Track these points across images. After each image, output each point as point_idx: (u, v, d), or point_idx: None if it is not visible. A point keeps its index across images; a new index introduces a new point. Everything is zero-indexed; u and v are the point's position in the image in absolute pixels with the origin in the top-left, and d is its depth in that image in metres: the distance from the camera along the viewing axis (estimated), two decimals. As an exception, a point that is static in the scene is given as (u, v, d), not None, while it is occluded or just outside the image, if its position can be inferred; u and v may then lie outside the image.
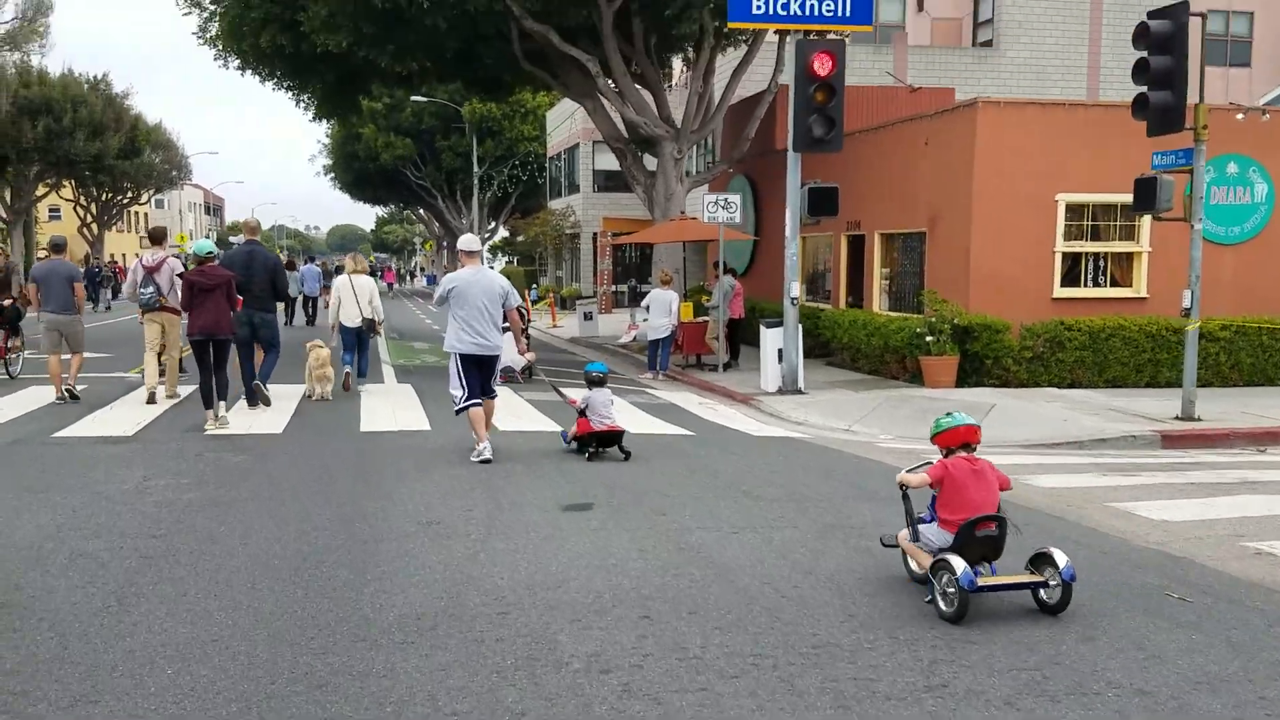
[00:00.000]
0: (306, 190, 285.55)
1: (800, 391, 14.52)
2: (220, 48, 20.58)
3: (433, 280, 73.49)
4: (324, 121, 24.38)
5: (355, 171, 57.85)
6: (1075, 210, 15.36)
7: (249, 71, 21.43)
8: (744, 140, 20.71)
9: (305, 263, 33.82)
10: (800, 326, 14.72)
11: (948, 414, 5.36)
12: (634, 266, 42.93)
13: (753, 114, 20.58)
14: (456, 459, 8.80)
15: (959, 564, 4.79)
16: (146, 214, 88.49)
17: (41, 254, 13.01)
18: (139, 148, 51.67)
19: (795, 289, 14.46)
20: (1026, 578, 5.01)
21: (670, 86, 26.02)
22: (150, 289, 11.63)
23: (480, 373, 8.93)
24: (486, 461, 8.54)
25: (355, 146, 54.66)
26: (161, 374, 12.19)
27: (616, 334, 25.71)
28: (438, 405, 12.09)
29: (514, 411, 11.94)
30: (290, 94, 22.78)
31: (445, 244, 73.31)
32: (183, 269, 11.77)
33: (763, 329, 15.05)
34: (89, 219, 57.36)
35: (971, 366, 14.76)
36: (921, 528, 5.27)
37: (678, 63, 25.83)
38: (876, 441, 11.23)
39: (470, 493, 7.46)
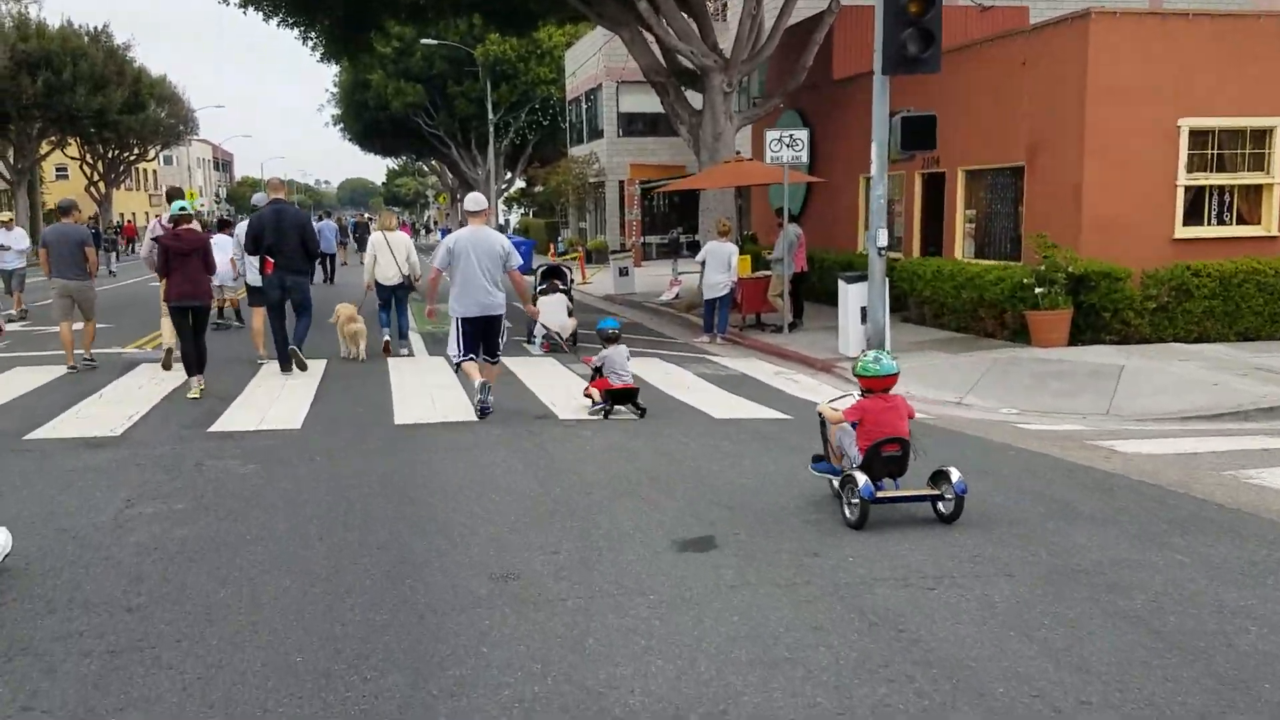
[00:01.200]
0: (316, 144, 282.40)
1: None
2: (217, -19, 18.61)
3: (446, 233, 71.42)
4: (332, 63, 22.42)
5: (365, 120, 55.59)
6: (1199, 137, 13.32)
7: (251, 8, 19.43)
8: (800, 69, 18.61)
9: (321, 219, 31.86)
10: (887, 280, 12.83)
11: (875, 359, 5.90)
12: (662, 216, 40.87)
13: (810, 39, 18.45)
14: (517, 462, 7.04)
15: (861, 478, 5.47)
16: (155, 171, 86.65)
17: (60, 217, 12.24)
18: (143, 101, 49.67)
19: (882, 237, 12.52)
20: (924, 491, 5.69)
21: (719, 10, 23.86)
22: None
23: (482, 334, 8.86)
24: (486, 411, 8.53)
25: (364, 94, 52.41)
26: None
27: (655, 290, 23.83)
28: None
29: (570, 390, 10.14)
30: (296, 31, 20.77)
31: (459, 196, 71.17)
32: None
33: (842, 284, 13.18)
34: (96, 177, 55.59)
35: (1085, 321, 12.85)
36: (847, 441, 5.83)
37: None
38: (1008, 420, 9.41)
39: (549, 521, 5.69)
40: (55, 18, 69.28)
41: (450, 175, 69.85)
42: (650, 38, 19.58)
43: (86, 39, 44.88)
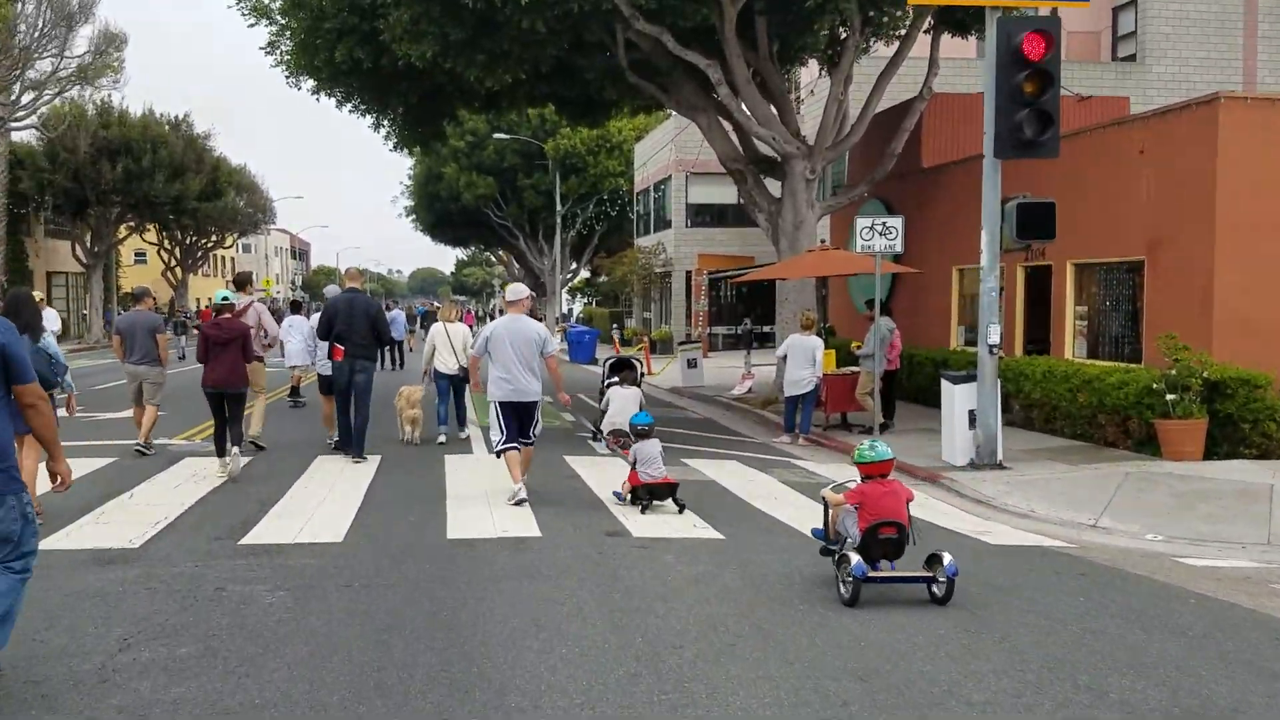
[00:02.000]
0: (389, 235, 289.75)
1: (1001, 466, 11.32)
2: (292, 65, 18.34)
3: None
4: (405, 151, 22.11)
5: (436, 212, 56.08)
6: (1345, 231, 11.97)
7: (324, 94, 19.17)
8: (889, 157, 17.68)
9: (389, 309, 32.02)
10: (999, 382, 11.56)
11: (870, 446, 6.30)
12: (729, 307, 39.98)
13: (900, 126, 17.56)
14: (588, 597, 5.88)
15: (855, 558, 5.78)
16: (233, 258, 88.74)
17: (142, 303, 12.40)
18: (220, 189, 50.62)
19: (994, 334, 11.31)
20: (919, 573, 5.96)
21: (798, 99, 23.22)
22: None
23: (518, 419, 9.03)
24: (521, 503, 8.59)
25: (437, 186, 52.92)
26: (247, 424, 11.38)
27: (725, 383, 22.70)
28: (543, 492, 9.23)
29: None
30: (370, 118, 20.47)
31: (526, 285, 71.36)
32: (270, 313, 12.15)
33: (947, 385, 11.92)
34: (173, 263, 56.63)
35: (1221, 432, 11.40)
36: (848, 522, 6.08)
37: (803, 74, 22.97)
38: (1159, 550, 8.00)
39: (631, 687, 4.49)
40: (137, 105, 71.66)
41: (517, 265, 70.09)
42: (728, 125, 18.90)
43: (167, 127, 45.96)
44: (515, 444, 8.90)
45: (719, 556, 6.95)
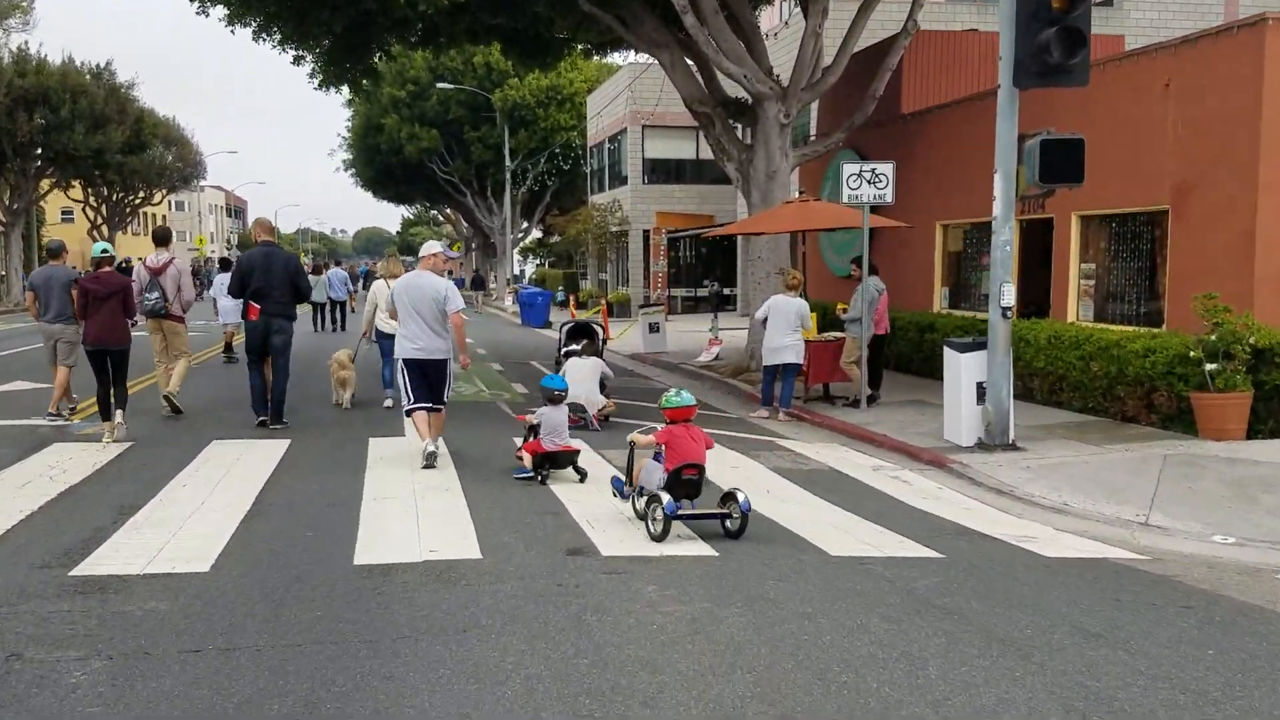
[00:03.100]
0: (331, 194, 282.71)
1: (1014, 446, 9.82)
2: (200, -8, 16.15)
3: (461, 283, 69.16)
4: (331, 90, 19.96)
5: (377, 166, 53.42)
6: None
7: (238, 25, 17.00)
8: (869, 99, 16.00)
9: (331, 267, 30.33)
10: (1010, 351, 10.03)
11: (676, 392, 6.75)
12: (689, 267, 38.30)
13: (879, 66, 15.88)
14: (540, 665, 4.19)
15: (665, 497, 6.14)
16: (165, 216, 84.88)
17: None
18: (145, 142, 47.58)
19: (1008, 294, 9.75)
20: (715, 510, 6.41)
21: (768, 34, 21.41)
22: (155, 294, 11.06)
23: (425, 379, 8.73)
24: (431, 464, 8.33)
25: (377, 138, 50.29)
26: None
27: (689, 349, 21.07)
28: (490, 489, 7.54)
29: (608, 494, 7.32)
30: (291, 52, 18.30)
31: (475, 245, 68.94)
32: (191, 271, 11.69)
33: (951, 353, 10.36)
34: (99, 220, 53.49)
35: (1267, 408, 9.99)
36: (653, 470, 6.44)
37: (764, 18, 21.14)
38: (1239, 558, 6.50)
39: None
40: (56, 54, 67.48)
41: (465, 224, 67.67)
42: (693, 65, 17.10)
43: (88, 76, 42.87)
44: (424, 405, 8.67)
45: (715, 586, 5.29)
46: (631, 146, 36.59)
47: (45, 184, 46.52)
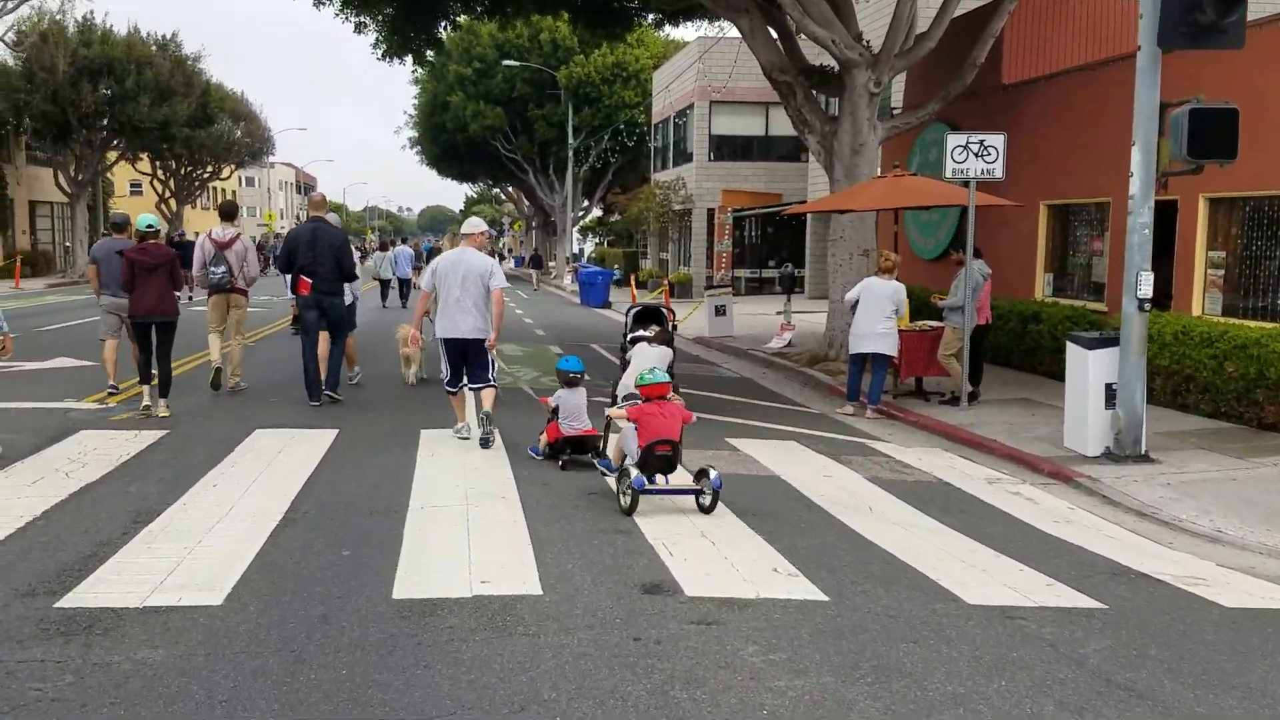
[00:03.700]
0: (397, 172, 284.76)
1: (1146, 457, 8.61)
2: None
3: (520, 262, 68.55)
4: (395, 61, 19.13)
5: (442, 144, 52.92)
6: None
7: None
8: (969, 67, 14.71)
9: (397, 244, 29.96)
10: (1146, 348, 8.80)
11: (651, 370, 7.02)
12: (753, 248, 37.05)
13: (980, 31, 14.57)
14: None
15: (634, 472, 6.32)
16: (235, 191, 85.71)
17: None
18: (211, 115, 47.44)
19: (1146, 283, 8.52)
20: (687, 485, 6.56)
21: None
22: (222, 268, 10.75)
23: (461, 358, 8.58)
24: (486, 443, 8.24)
25: (443, 116, 49.75)
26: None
27: (757, 334, 19.99)
28: (551, 496, 6.60)
29: (696, 520, 6.32)
30: (352, 20, 17.50)
31: (535, 223, 68.29)
32: (258, 247, 10.94)
33: (1075, 350, 9.15)
34: (167, 194, 53.75)
35: None
36: (631, 442, 6.57)
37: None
38: None
39: None
40: (123, 24, 67.79)
41: (526, 202, 67.04)
42: (773, 32, 15.92)
43: (154, 47, 42.76)
44: (475, 385, 8.56)
45: (833, 647, 4.23)
46: (698, 122, 35.37)
47: (111, 156, 46.70)
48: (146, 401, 9.41)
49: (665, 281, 29.18)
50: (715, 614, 4.55)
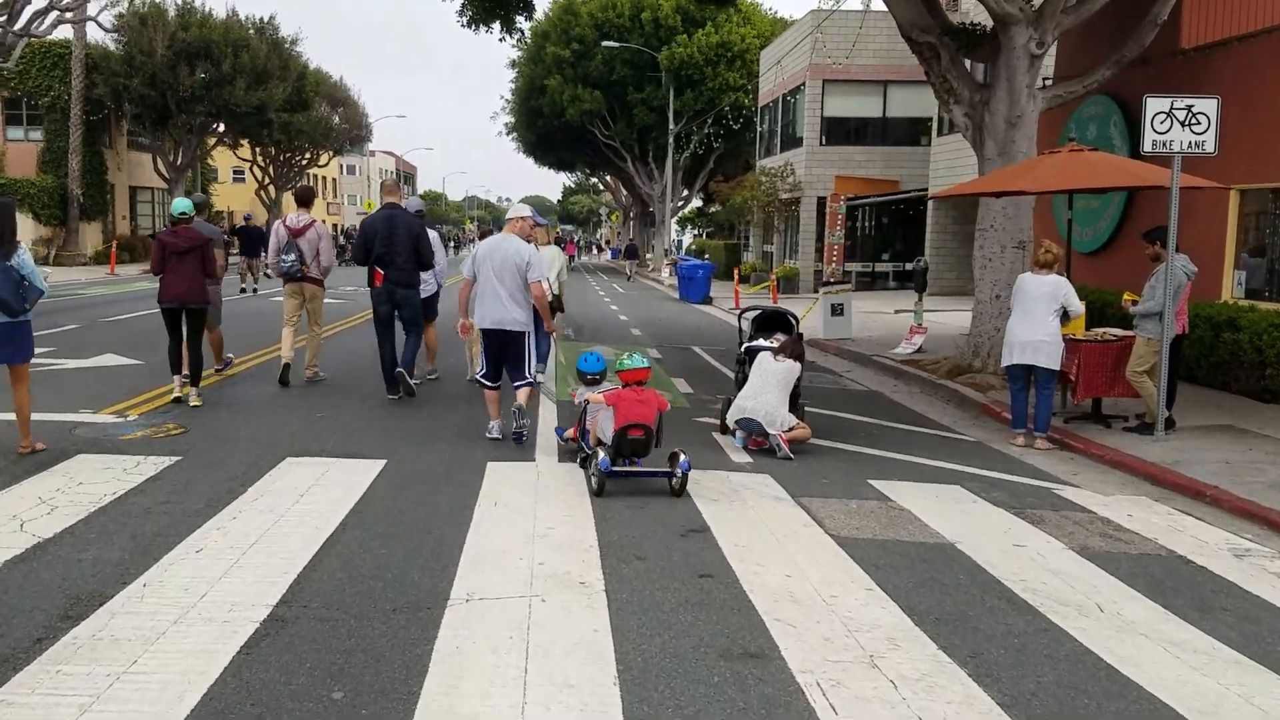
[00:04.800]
0: (496, 162, 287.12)
1: None
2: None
3: (617, 254, 67.00)
4: (481, 28, 17.54)
5: (538, 130, 51.60)
6: None
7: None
8: (1147, 27, 12.30)
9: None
10: None
11: (629, 354, 7.07)
12: (866, 239, 34.60)
13: (1168, -19, 12.14)
14: None
15: (601, 454, 6.43)
16: (335, 179, 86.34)
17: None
18: (306, 99, 46.92)
19: None
20: (654, 468, 6.64)
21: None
22: (292, 256, 10.38)
23: (499, 352, 8.10)
24: (520, 438, 7.96)
25: (539, 101, 48.35)
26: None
27: (880, 336, 17.82)
28: (650, 583, 4.73)
29: (832, 598, 4.39)
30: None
31: (633, 214, 66.65)
32: (331, 234, 11.16)
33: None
34: (266, 181, 53.73)
35: None
36: (607, 424, 6.71)
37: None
38: None
39: None
40: (221, 7, 68.28)
41: (624, 191, 65.44)
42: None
43: (251, 30, 42.33)
44: (496, 385, 8.19)
45: None
46: (810, 103, 33.03)
47: (210, 141, 46.60)
48: (178, 393, 9.10)
49: (772, 276, 27.02)
50: None
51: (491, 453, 7.64)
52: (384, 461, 7.12)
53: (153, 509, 5.73)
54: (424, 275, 10.46)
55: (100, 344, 13.19)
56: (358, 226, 13.67)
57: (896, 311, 23.41)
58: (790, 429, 8.10)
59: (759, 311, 9.18)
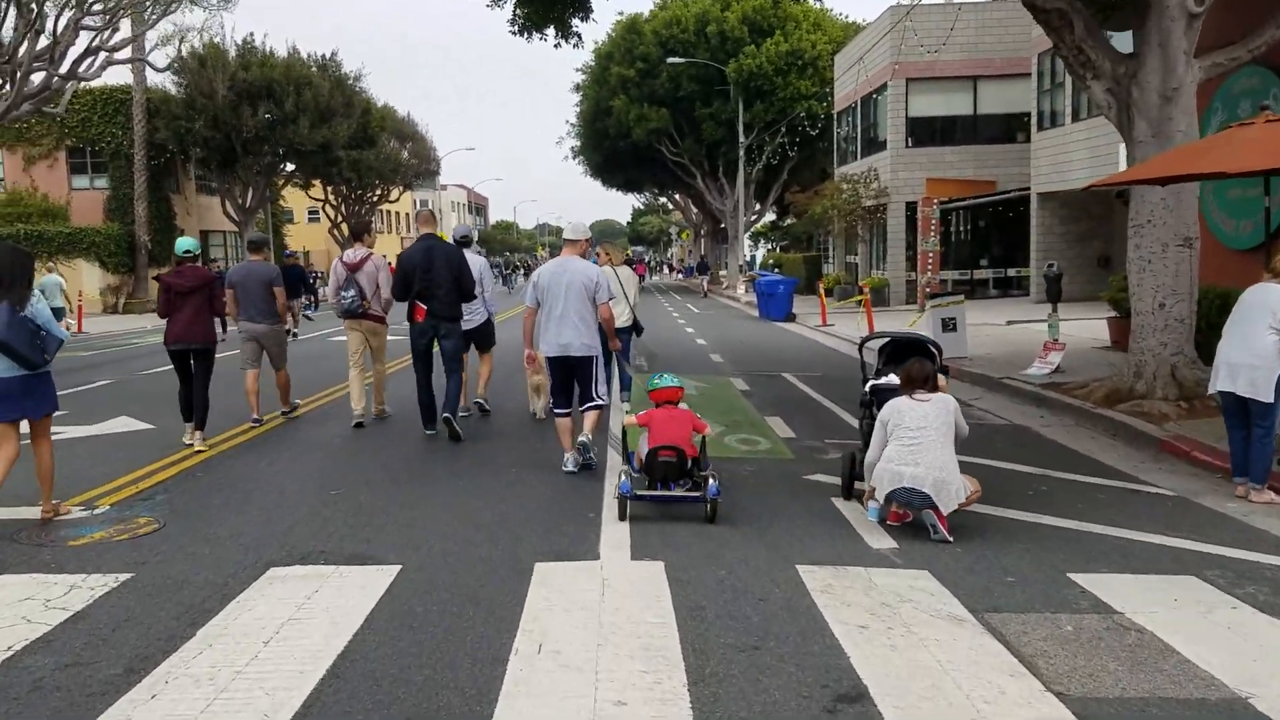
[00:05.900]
0: (565, 188, 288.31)
1: None
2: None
3: (689, 273, 65.17)
4: (534, 35, 15.91)
5: (604, 151, 50.19)
6: None
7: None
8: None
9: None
10: None
11: (660, 375, 6.87)
12: (960, 244, 32.13)
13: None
14: None
15: (621, 477, 6.26)
16: (407, 214, 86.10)
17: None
18: (372, 135, 46.18)
19: None
20: (683, 493, 6.38)
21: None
22: (351, 292, 9.92)
23: (570, 379, 7.84)
24: (588, 465, 7.73)
25: (605, 122, 46.95)
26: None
27: (999, 356, 15.55)
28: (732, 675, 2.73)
29: None
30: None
31: (703, 231, 64.79)
32: (388, 271, 10.36)
33: None
34: (339, 219, 53.23)
35: None
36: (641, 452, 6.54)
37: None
38: None
39: None
40: (281, 45, 68.28)
41: (695, 209, 63.68)
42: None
43: (314, 67, 41.69)
44: (566, 409, 7.81)
45: None
46: (893, 104, 30.77)
47: (278, 181, 46.13)
48: (188, 440, 9.02)
49: (864, 289, 24.78)
50: None
51: (541, 544, 5.77)
52: (397, 569, 5.29)
53: (45, 680, 3.96)
54: (474, 304, 9.99)
55: (119, 404, 11.74)
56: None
57: (1008, 323, 21.03)
58: (969, 495, 6.06)
59: (887, 339, 7.15)
